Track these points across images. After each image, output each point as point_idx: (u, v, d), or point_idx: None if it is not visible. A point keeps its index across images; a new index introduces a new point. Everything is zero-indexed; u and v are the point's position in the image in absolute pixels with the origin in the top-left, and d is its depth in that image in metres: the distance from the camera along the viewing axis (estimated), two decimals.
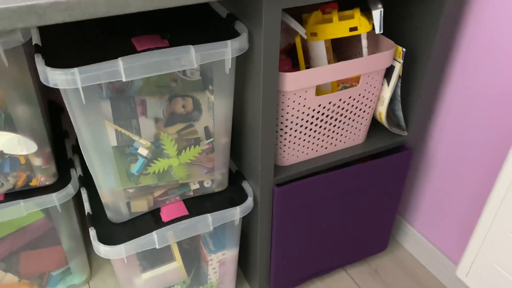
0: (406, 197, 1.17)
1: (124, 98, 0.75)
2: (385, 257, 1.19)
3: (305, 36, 0.81)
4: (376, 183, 0.97)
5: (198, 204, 0.86)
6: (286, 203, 0.89)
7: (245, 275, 1.12)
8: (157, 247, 0.79)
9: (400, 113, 0.93)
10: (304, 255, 1.02)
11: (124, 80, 0.62)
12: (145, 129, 0.78)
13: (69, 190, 0.90)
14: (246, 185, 0.90)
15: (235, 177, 0.92)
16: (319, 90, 0.86)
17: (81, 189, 0.90)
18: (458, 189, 1.01)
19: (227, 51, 0.66)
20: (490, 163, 0.92)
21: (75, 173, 0.94)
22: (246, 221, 0.98)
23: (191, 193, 0.87)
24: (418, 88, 0.90)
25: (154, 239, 0.79)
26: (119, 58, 0.61)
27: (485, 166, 0.93)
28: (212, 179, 0.87)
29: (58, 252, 1.00)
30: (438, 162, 1.04)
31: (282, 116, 0.80)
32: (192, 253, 0.94)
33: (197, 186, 0.86)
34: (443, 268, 1.11)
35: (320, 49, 0.82)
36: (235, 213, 0.85)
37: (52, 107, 1.13)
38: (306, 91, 0.78)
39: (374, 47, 0.88)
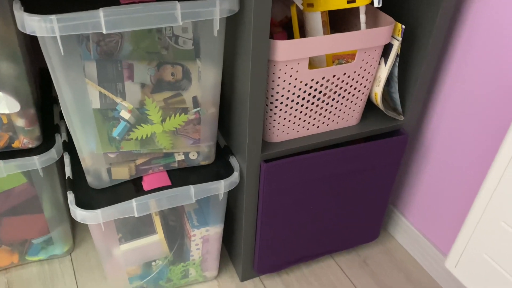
0: (400, 187, 1.14)
1: (111, 61, 0.72)
2: (375, 247, 1.16)
3: (301, 7, 0.78)
4: (368, 167, 0.94)
5: (182, 176, 0.84)
6: (274, 180, 0.86)
7: (230, 255, 1.10)
8: (136, 215, 0.77)
9: (396, 96, 0.89)
10: (291, 238, 0.99)
11: (104, 32, 0.60)
12: (130, 93, 0.75)
13: (52, 154, 0.88)
14: (233, 160, 0.87)
15: (223, 152, 0.90)
16: (314, 65, 0.83)
17: (64, 154, 0.87)
18: (455, 182, 0.97)
19: (215, 11, 0.64)
20: (488, 155, 0.88)
21: (60, 138, 0.92)
22: (233, 198, 0.95)
23: (176, 164, 0.84)
24: (417, 70, 0.87)
25: (133, 206, 0.76)
26: (100, 9, 0.58)
27: (483, 159, 0.90)
28: (198, 151, 0.84)
29: (40, 220, 0.99)
30: (434, 152, 1.00)
31: (272, 88, 0.77)
32: (175, 228, 0.92)
33: (182, 157, 0.84)
34: (435, 263, 1.08)
35: (316, 21, 0.79)
36: (219, 187, 0.82)
37: (44, 74, 1.11)
38: (298, 63, 0.75)
39: (373, 23, 0.85)
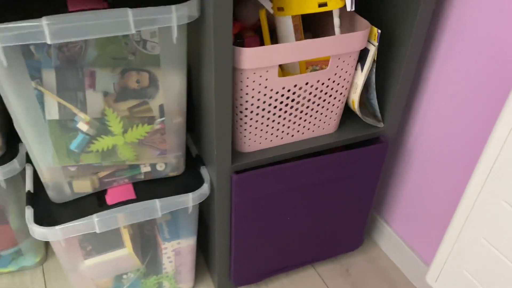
0: (383, 194, 1.10)
1: (72, 68, 0.68)
2: (358, 256, 1.13)
3: (271, 11, 0.74)
4: (347, 176, 0.91)
5: (149, 189, 0.80)
6: (246, 192, 0.82)
7: (207, 265, 1.06)
8: (97, 231, 0.73)
9: (375, 102, 0.85)
10: (268, 249, 0.96)
11: (49, 42, 0.55)
12: (91, 103, 0.71)
13: (14, 165, 0.84)
14: (204, 171, 0.83)
15: (194, 162, 0.86)
16: (286, 72, 0.79)
17: (26, 165, 0.84)
18: (439, 190, 0.94)
19: (172, 18, 0.60)
20: (474, 162, 0.84)
21: (24, 148, 0.88)
22: (206, 209, 0.91)
23: (142, 176, 0.81)
24: (396, 75, 0.83)
25: (94, 222, 0.72)
26: (43, 18, 0.54)
27: (468, 166, 0.86)
28: (166, 162, 0.80)
29: (7, 232, 0.95)
30: (418, 159, 0.97)
31: (241, 97, 0.73)
32: (148, 240, 0.88)
33: (149, 169, 0.80)
34: (419, 273, 1.04)
35: (287, 26, 0.75)
36: (187, 200, 0.78)
37: None
38: (267, 71, 0.71)
39: (349, 27, 0.81)
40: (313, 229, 0.98)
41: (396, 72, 0.83)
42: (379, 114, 0.88)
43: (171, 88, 0.71)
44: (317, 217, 0.96)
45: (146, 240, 0.88)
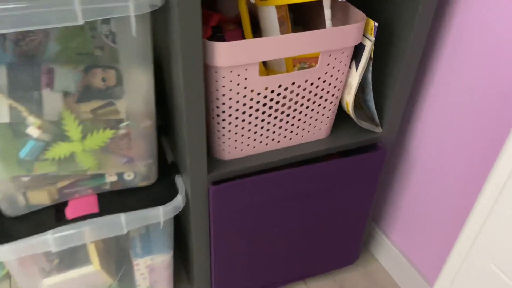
0: (383, 204, 1.01)
1: (28, 64, 0.59)
2: (354, 270, 1.04)
3: (253, 0, 0.65)
4: (341, 187, 0.81)
5: (116, 200, 0.71)
6: (226, 204, 0.73)
7: (189, 280, 0.98)
8: (53, 250, 0.65)
9: (372, 105, 0.76)
10: (253, 264, 0.87)
11: None
12: (48, 104, 0.63)
13: None
14: (179, 181, 0.74)
15: (169, 170, 0.77)
16: (270, 70, 0.70)
17: None
18: (441, 200, 0.84)
19: (128, 7, 0.51)
20: (481, 171, 0.75)
21: None
22: (185, 221, 0.83)
23: (108, 187, 0.72)
24: (395, 74, 0.74)
25: (48, 240, 0.64)
26: None
27: (475, 176, 0.76)
28: (135, 171, 0.71)
29: None
30: (419, 167, 0.87)
31: (217, 99, 0.64)
32: (122, 254, 0.80)
33: (115, 178, 0.71)
34: None
35: (270, 17, 0.65)
36: (157, 214, 0.69)
37: None
38: (246, 69, 0.62)
39: (343, 21, 0.71)
40: (304, 242, 0.89)
41: (395, 70, 0.73)
42: (376, 118, 0.78)
43: (135, 88, 0.62)
44: (308, 230, 0.87)
45: (120, 253, 0.80)
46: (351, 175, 0.80)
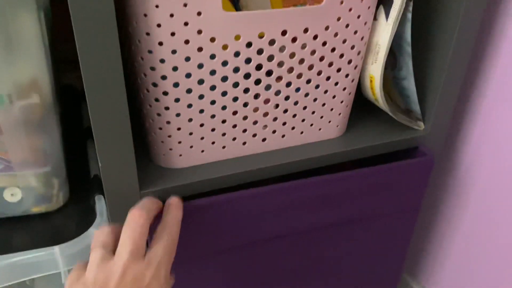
0: (420, 249, 0.71)
1: None
2: None
3: None
4: (363, 214, 0.52)
5: None
6: None
7: None
8: None
9: (411, 85, 0.48)
10: None
11: None
12: None
13: None
14: (100, 203, 0.45)
15: (89, 188, 0.48)
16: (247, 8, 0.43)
17: None
18: (506, 244, 0.55)
19: None
20: None
21: None
22: None
23: None
24: (446, 46, 0.47)
25: None
26: None
27: None
28: (20, 187, 0.43)
29: None
30: (476, 190, 0.58)
31: (150, 51, 0.37)
32: None
33: None
34: None
35: None
36: (51, 260, 0.40)
37: None
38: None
39: None
40: None
41: (445, 43, 0.46)
42: (417, 108, 0.50)
43: (8, 33, 0.35)
44: (315, 280, 0.57)
45: None
46: (380, 193, 0.51)
